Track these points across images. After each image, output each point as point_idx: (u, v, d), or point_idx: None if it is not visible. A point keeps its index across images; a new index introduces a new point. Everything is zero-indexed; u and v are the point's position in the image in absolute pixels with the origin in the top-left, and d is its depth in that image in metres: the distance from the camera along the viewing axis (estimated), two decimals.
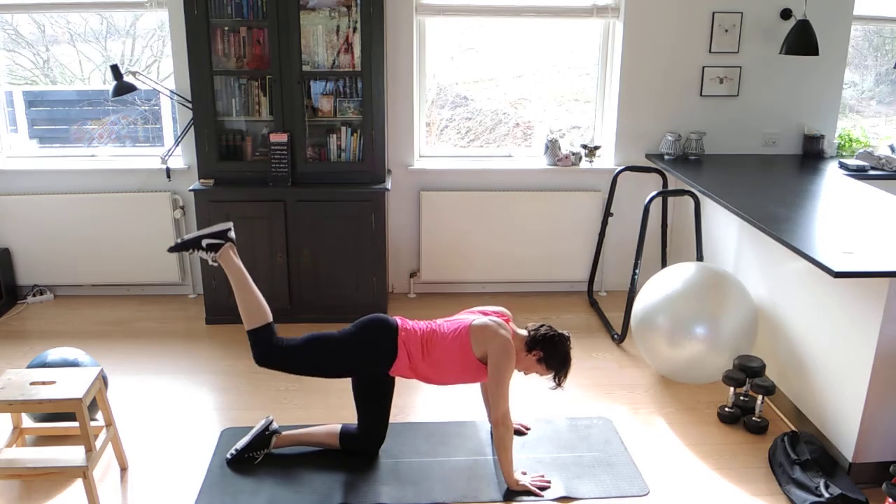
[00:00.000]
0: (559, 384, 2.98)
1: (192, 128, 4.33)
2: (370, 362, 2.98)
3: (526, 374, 3.04)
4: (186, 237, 3.02)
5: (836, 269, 2.69)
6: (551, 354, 2.94)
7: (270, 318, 3.01)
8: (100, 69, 4.93)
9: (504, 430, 2.89)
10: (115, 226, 4.65)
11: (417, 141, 4.74)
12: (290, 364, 2.99)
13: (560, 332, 2.99)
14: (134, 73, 4.32)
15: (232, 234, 3.06)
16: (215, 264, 3.05)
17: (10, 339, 4.23)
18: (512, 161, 4.84)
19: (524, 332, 3.00)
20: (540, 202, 4.73)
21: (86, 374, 2.87)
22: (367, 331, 2.98)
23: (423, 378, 3.02)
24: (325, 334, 3.00)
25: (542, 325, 3.00)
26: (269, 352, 2.97)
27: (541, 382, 3.66)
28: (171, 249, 3.06)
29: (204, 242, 3.01)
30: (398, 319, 3.04)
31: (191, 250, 3.02)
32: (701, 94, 4.66)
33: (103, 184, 4.66)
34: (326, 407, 3.53)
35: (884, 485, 2.73)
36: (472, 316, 3.03)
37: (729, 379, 3.40)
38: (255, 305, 2.99)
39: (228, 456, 3.08)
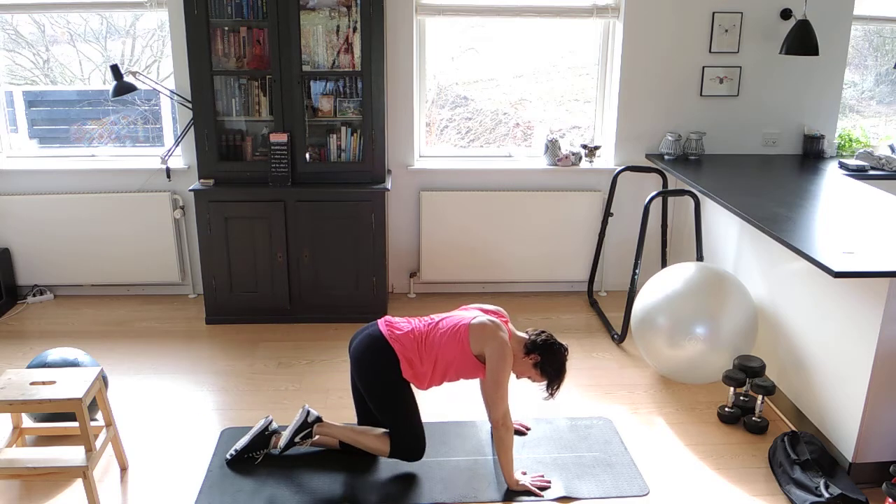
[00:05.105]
0: (551, 394, 2.97)
1: (192, 128, 4.33)
2: (399, 379, 2.95)
3: (518, 377, 3.01)
4: (283, 443, 3.04)
5: (836, 269, 2.69)
6: (549, 361, 2.93)
7: (382, 430, 3.03)
8: (100, 69, 4.93)
9: (504, 431, 2.89)
10: (115, 226, 4.65)
11: (417, 141, 4.74)
12: (418, 435, 3.00)
13: (560, 342, 2.98)
14: (134, 73, 4.32)
15: (312, 416, 3.08)
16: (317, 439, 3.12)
17: (10, 339, 4.23)
18: (512, 161, 4.84)
19: (523, 335, 2.99)
20: (540, 202, 4.73)
21: (86, 374, 2.87)
22: (370, 371, 2.94)
23: (423, 382, 2.99)
24: (374, 407, 2.99)
25: (543, 332, 2.99)
26: (412, 450, 2.99)
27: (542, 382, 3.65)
28: (279, 454, 3.08)
29: (297, 439, 3.05)
30: (384, 328, 2.97)
31: (291, 447, 3.07)
32: (701, 94, 4.66)
33: (103, 184, 4.66)
34: (326, 407, 3.53)
35: (884, 485, 2.73)
36: (471, 313, 3.01)
37: (729, 379, 3.40)
38: (374, 441, 3.02)
39: (228, 456, 3.08)
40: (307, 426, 3.06)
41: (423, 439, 3.01)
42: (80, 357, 3.30)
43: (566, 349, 2.98)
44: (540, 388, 2.99)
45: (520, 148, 4.96)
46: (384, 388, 2.94)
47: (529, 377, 2.99)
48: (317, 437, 3.08)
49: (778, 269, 3.59)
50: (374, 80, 4.18)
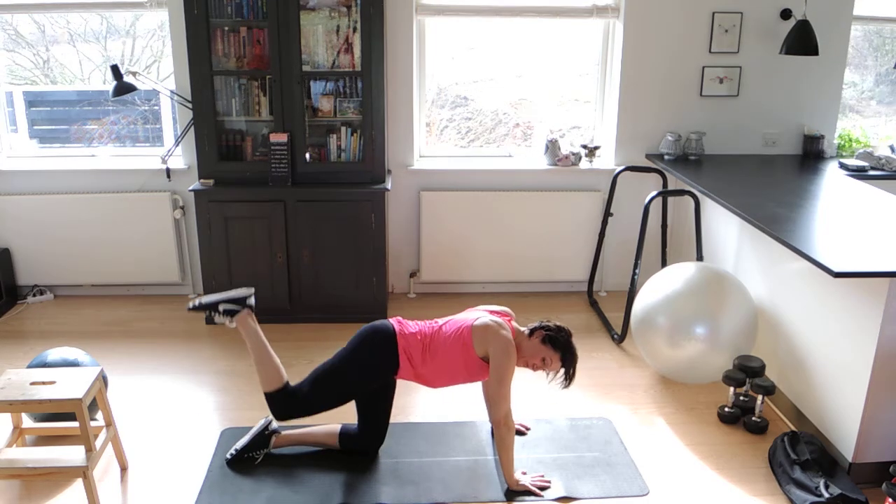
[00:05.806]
0: (568, 376, 2.93)
1: (192, 128, 4.33)
2: (377, 377, 2.99)
3: (531, 364, 2.96)
4: (205, 300, 3.07)
5: (836, 269, 2.69)
6: (552, 339, 2.92)
7: (286, 379, 3.03)
8: (100, 69, 4.93)
9: (506, 431, 2.89)
10: (115, 226, 4.65)
11: (417, 141, 4.74)
12: (307, 410, 3.02)
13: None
14: (134, 73, 4.32)
15: (251, 301, 3.11)
16: (233, 326, 3.10)
17: (10, 339, 4.23)
18: (512, 161, 4.84)
19: (525, 330, 3.01)
20: (540, 202, 4.73)
21: (86, 374, 2.87)
22: (366, 348, 2.97)
23: (426, 383, 3.01)
24: (327, 366, 3.01)
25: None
26: (287, 408, 3.01)
27: (542, 382, 3.66)
28: (191, 309, 3.09)
29: (221, 307, 3.06)
30: (395, 324, 3.02)
31: (209, 312, 3.08)
32: (701, 94, 4.66)
33: (103, 184, 4.66)
34: None
35: (884, 485, 2.73)
36: (475, 314, 3.02)
37: (729, 379, 3.40)
38: (272, 370, 3.03)
39: (228, 456, 3.08)
40: (243, 304, 3.07)
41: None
42: (80, 357, 3.29)
43: (568, 331, 2.98)
44: (553, 376, 2.96)
45: (520, 148, 4.96)
46: (367, 367, 2.96)
47: (543, 359, 2.93)
48: (234, 325, 3.08)
49: (778, 269, 3.59)
50: (374, 80, 4.18)
